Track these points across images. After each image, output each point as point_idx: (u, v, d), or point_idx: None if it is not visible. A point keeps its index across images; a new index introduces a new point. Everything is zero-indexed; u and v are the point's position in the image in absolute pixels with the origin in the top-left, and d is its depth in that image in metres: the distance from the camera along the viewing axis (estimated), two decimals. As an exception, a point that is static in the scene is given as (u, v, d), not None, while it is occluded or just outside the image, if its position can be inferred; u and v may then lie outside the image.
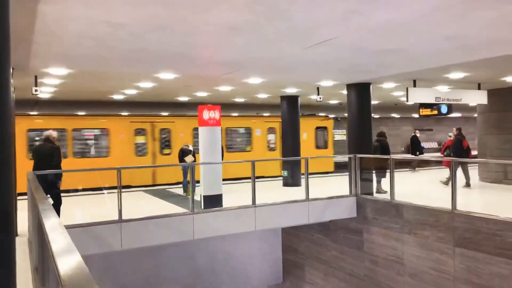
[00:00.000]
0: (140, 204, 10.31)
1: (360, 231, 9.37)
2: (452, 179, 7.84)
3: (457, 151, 11.52)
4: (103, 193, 11.64)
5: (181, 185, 11.65)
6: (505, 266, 6.53)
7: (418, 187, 12.08)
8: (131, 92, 12.16)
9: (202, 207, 8.65)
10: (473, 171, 13.94)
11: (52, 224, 2.95)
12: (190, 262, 10.34)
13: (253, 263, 11.26)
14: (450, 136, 15.56)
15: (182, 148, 11.91)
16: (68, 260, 1.99)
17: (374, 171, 10.44)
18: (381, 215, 8.86)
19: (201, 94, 12.93)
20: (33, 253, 5.13)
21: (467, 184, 11.17)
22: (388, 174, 9.27)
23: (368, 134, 10.56)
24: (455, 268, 7.30)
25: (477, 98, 11.50)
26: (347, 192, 9.77)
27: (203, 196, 8.85)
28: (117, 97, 13.50)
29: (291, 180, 12.44)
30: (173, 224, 7.84)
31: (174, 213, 8.04)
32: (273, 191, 11.64)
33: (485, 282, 6.84)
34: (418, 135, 16.69)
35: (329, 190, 10.23)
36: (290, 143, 13.06)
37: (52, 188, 7.12)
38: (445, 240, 7.48)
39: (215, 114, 9.01)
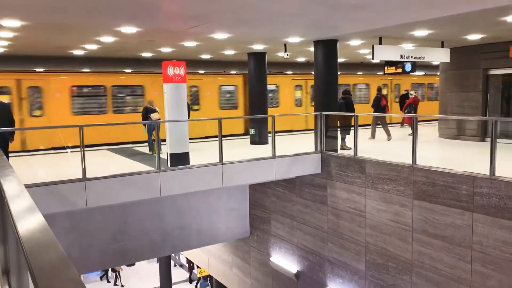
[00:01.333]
0: (104, 163, 10.15)
1: (324, 186, 9.64)
2: (413, 135, 8.10)
3: (376, 108, 13.65)
4: (67, 152, 11.36)
5: (146, 144, 11.51)
6: (459, 217, 6.93)
7: (382, 144, 12.43)
8: (92, 47, 11.63)
9: (169, 165, 8.61)
10: (434, 128, 14.47)
11: (11, 183, 2.86)
12: (158, 219, 10.39)
13: (221, 219, 11.45)
14: (411, 94, 15.98)
15: (146, 106, 11.68)
16: (29, 220, 1.93)
17: (338, 129, 10.64)
18: (345, 171, 9.11)
19: (165, 49, 12.54)
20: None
21: (388, 138, 13.04)
22: (352, 131, 9.49)
23: (334, 92, 10.65)
24: (413, 219, 7.68)
25: (440, 56, 11.73)
26: (312, 149, 9.94)
27: (170, 154, 8.79)
28: (77, 52, 12.90)
29: (259, 138, 12.50)
30: (140, 182, 7.79)
31: (140, 171, 7.97)
32: (240, 149, 11.69)
33: (440, 231, 7.26)
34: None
35: (295, 147, 10.38)
36: (257, 101, 13.02)
37: (7, 146, 6.87)
38: (405, 193, 7.82)
39: (180, 70, 8.79)
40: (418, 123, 8.53)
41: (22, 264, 2.39)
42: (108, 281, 20.48)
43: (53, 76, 14.13)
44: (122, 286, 20.10)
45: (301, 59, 17.21)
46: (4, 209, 3.52)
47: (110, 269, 20.10)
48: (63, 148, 11.29)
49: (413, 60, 11.00)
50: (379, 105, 13.65)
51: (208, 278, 18.46)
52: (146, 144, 11.48)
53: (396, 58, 10.62)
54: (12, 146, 8.12)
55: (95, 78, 14.92)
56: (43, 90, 13.82)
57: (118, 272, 20.13)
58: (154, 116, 10.98)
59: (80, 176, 7.13)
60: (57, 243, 1.55)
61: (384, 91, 17.41)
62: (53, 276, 1.25)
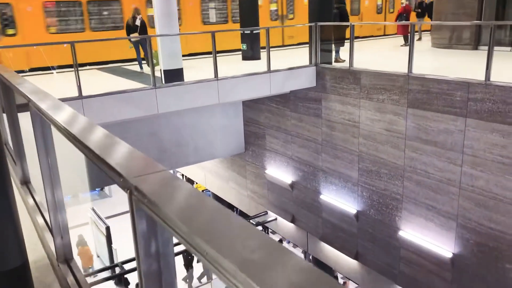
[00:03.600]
0: (97, 81, 9.98)
1: (319, 100, 9.72)
2: (410, 43, 8.05)
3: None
4: (52, 73, 11.08)
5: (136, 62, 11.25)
6: (451, 123, 7.16)
7: (376, 54, 12.35)
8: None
9: (163, 82, 8.53)
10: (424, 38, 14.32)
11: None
12: (155, 137, 10.51)
13: (216, 136, 11.63)
14: (402, 3, 15.53)
15: (128, 21, 11.14)
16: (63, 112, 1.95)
17: (333, 41, 10.46)
18: (340, 83, 9.15)
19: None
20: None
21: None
22: (346, 43, 9.36)
23: (329, 1, 10.29)
24: (407, 127, 7.92)
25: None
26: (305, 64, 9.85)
27: (164, 70, 8.67)
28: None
29: (251, 53, 12.28)
30: (136, 99, 7.76)
31: (135, 88, 7.91)
32: (233, 65, 11.53)
33: (432, 138, 7.53)
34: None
35: (288, 62, 10.27)
36: (248, 13, 12.55)
37: None
38: (399, 102, 7.97)
39: (169, -20, 8.34)
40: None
41: (55, 174, 2.47)
42: None
43: None
44: None
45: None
46: (16, 126, 3.54)
47: None
48: (48, 68, 10.98)
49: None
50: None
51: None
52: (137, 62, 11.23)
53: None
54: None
55: None
56: None
57: None
58: (133, 35, 10.56)
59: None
60: (115, 137, 1.57)
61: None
62: (132, 166, 1.27)
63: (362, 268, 9.79)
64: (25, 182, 3.73)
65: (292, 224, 11.57)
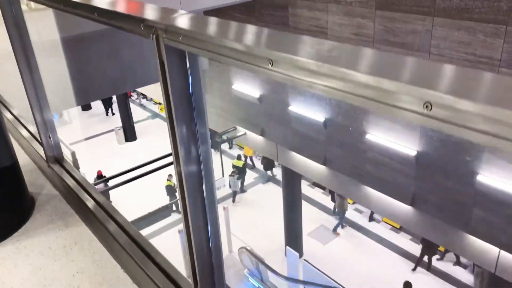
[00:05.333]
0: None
1: (285, 6, 9.41)
2: None
3: None
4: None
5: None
6: (420, 23, 7.17)
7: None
8: None
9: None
10: None
11: None
12: (116, 55, 9.98)
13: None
14: None
15: None
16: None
17: None
18: (306, -13, 8.83)
19: None
20: None
21: None
22: None
23: None
24: (375, 30, 7.89)
25: None
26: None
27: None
28: None
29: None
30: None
31: None
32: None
33: (400, 39, 7.57)
34: None
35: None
36: None
37: None
38: (367, 5, 7.84)
39: None
40: None
41: (33, 64, 2.30)
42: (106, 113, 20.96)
43: None
44: (113, 113, 20.85)
45: None
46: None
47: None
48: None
49: None
50: None
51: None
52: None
53: None
54: None
55: None
56: None
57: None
58: None
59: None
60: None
61: None
62: (149, 11, 1.20)
63: (331, 172, 10.28)
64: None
65: (261, 137, 11.76)
